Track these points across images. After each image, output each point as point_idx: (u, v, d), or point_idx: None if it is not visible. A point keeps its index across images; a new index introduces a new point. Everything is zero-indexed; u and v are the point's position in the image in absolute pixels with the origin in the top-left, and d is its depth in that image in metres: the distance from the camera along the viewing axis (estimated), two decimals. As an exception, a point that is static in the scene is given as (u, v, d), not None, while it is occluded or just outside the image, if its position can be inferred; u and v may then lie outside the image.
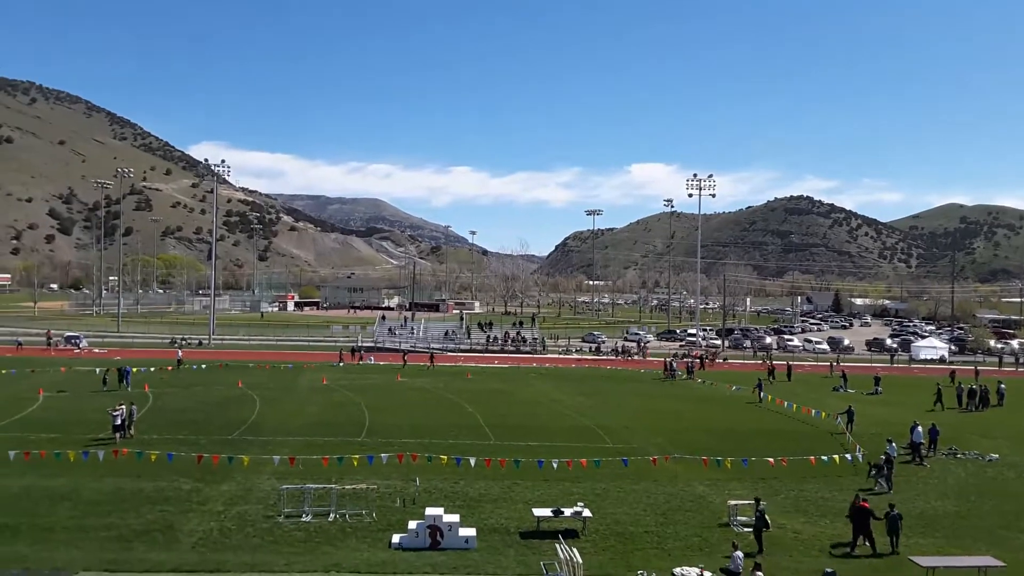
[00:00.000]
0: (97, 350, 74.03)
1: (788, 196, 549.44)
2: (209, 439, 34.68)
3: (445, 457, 29.71)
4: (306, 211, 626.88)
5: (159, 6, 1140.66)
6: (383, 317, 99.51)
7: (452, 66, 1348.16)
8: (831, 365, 68.28)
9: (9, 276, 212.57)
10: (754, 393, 50.76)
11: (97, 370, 52.91)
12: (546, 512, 23.54)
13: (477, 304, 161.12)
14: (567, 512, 23.45)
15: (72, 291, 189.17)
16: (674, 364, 64.16)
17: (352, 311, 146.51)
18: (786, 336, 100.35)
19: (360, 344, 77.96)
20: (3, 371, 55.66)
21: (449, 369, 63.69)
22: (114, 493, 25.85)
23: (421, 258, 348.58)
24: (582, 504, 24.19)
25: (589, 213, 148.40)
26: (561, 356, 78.94)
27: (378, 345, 79.65)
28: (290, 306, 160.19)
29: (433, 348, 76.46)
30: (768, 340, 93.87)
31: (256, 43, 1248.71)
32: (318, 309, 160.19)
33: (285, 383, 53.73)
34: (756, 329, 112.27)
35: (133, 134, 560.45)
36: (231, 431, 36.70)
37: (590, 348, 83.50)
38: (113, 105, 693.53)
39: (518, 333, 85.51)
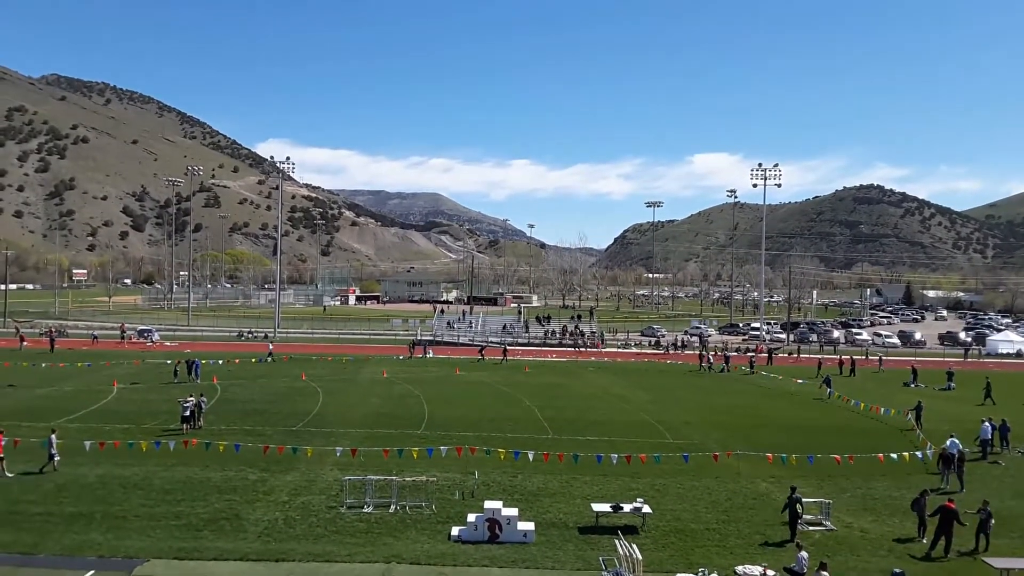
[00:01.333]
0: (168, 343, 76.60)
1: (857, 185, 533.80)
2: (274, 430, 35.51)
3: (503, 451, 29.71)
4: (367, 206, 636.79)
5: (226, 10, 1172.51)
6: (442, 311, 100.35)
7: (511, 61, 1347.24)
8: (880, 359, 65.63)
9: (86, 271, 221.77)
10: (821, 388, 49.42)
11: (168, 362, 54.70)
12: (605, 507, 23.35)
13: (535, 298, 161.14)
14: (626, 508, 23.20)
15: (145, 286, 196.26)
16: (710, 357, 63.33)
17: (412, 304, 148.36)
18: (855, 330, 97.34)
19: (419, 338, 78.76)
20: (80, 363, 58.08)
21: (507, 363, 63.83)
22: (184, 482, 26.67)
23: (479, 252, 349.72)
24: (642, 500, 23.91)
25: (649, 205, 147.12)
26: (620, 350, 78.31)
27: (437, 339, 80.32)
28: (351, 300, 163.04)
29: (491, 342, 76.69)
30: (836, 334, 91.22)
31: (320, 43, 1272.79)
32: (378, 303, 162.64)
33: (347, 376, 54.68)
34: (823, 323, 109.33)
35: (202, 133, 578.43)
36: (295, 422, 37.50)
37: (650, 342, 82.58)
38: (183, 105, 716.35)
39: (576, 327, 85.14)
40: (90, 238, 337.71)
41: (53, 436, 28.23)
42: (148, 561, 19.78)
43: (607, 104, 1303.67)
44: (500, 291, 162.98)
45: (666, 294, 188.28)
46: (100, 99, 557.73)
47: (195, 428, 34.88)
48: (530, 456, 28.69)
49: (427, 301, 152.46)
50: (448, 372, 57.73)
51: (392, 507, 24.17)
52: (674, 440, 35.04)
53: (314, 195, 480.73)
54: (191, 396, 36.62)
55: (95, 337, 77.48)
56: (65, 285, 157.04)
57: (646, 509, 23.22)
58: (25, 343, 69.20)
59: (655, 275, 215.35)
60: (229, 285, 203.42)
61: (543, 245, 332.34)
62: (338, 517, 23.40)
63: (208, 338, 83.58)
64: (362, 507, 24.12)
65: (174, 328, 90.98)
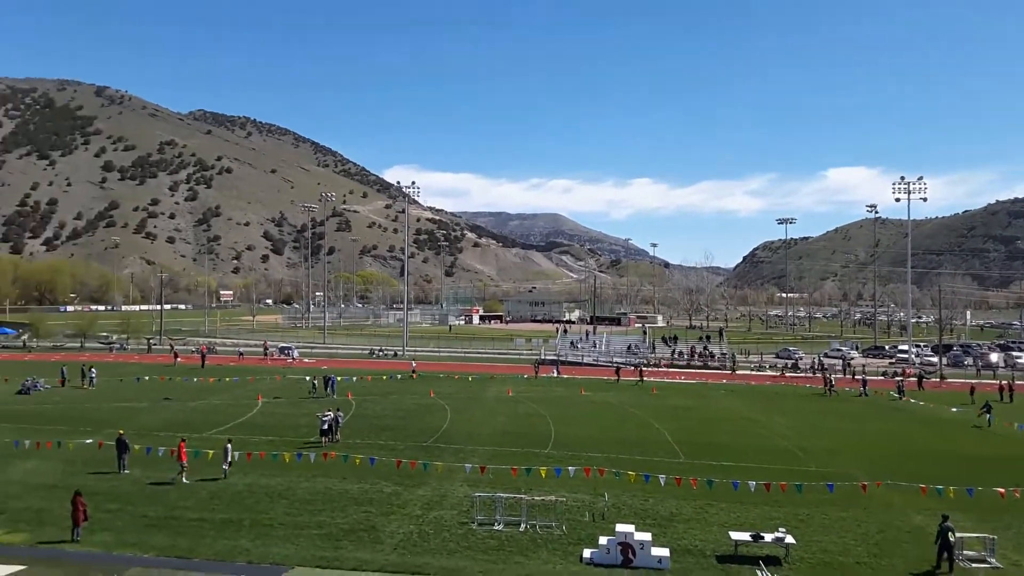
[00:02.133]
0: (306, 360, 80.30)
1: (1012, 199, 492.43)
2: (406, 445, 36.33)
3: (633, 473, 29.06)
4: (488, 227, 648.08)
5: (356, 46, 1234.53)
6: (564, 331, 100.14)
7: (630, 78, 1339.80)
8: (1001, 387, 58.21)
9: (231, 292, 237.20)
10: (980, 416, 45.47)
11: (306, 378, 57.24)
12: (744, 536, 22.29)
13: (660, 318, 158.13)
14: (767, 537, 22.06)
15: (284, 306, 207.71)
16: (832, 379, 60.12)
17: (533, 324, 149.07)
18: (1014, 353, 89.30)
19: (544, 357, 78.83)
20: (228, 378, 61.79)
21: (634, 384, 62.71)
22: (324, 493, 27.67)
23: (601, 272, 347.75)
24: (784, 530, 22.68)
25: (781, 222, 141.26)
26: (753, 373, 75.28)
27: (560, 358, 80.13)
28: (475, 319, 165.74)
29: (617, 362, 75.73)
30: (993, 357, 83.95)
31: (443, 73, 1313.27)
32: (502, 322, 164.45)
33: (473, 393, 55.35)
34: (979, 345, 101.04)
35: (334, 161, 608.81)
36: (426, 438, 38.23)
37: (785, 365, 78.99)
38: (317, 135, 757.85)
39: (705, 348, 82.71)
40: (235, 261, 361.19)
41: (229, 446, 30.22)
42: (293, 568, 20.55)
43: (732, 120, 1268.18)
44: (623, 311, 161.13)
45: (801, 314, 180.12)
46: (242, 132, 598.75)
47: (333, 441, 36.20)
48: (661, 480, 27.89)
49: (549, 321, 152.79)
50: (573, 392, 57.34)
51: (522, 525, 24.08)
52: (817, 468, 33.10)
53: (438, 218, 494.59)
54: (329, 411, 38.14)
55: (241, 354, 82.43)
56: (213, 305, 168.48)
57: (789, 539, 21.99)
58: (179, 359, 74.45)
59: (789, 294, 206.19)
60: (360, 305, 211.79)
61: (667, 264, 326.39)
62: (470, 533, 23.54)
63: (342, 355, 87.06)
64: (492, 524, 24.16)
65: (311, 345, 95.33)
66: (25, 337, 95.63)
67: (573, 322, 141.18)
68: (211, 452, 31.14)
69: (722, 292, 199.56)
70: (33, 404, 47.74)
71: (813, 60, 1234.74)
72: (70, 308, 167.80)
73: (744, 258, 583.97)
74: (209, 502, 26.36)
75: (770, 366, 79.24)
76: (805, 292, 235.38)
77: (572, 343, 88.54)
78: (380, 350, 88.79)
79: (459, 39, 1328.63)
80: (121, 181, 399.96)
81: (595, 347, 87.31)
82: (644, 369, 68.39)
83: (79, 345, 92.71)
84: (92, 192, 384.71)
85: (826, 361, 78.27)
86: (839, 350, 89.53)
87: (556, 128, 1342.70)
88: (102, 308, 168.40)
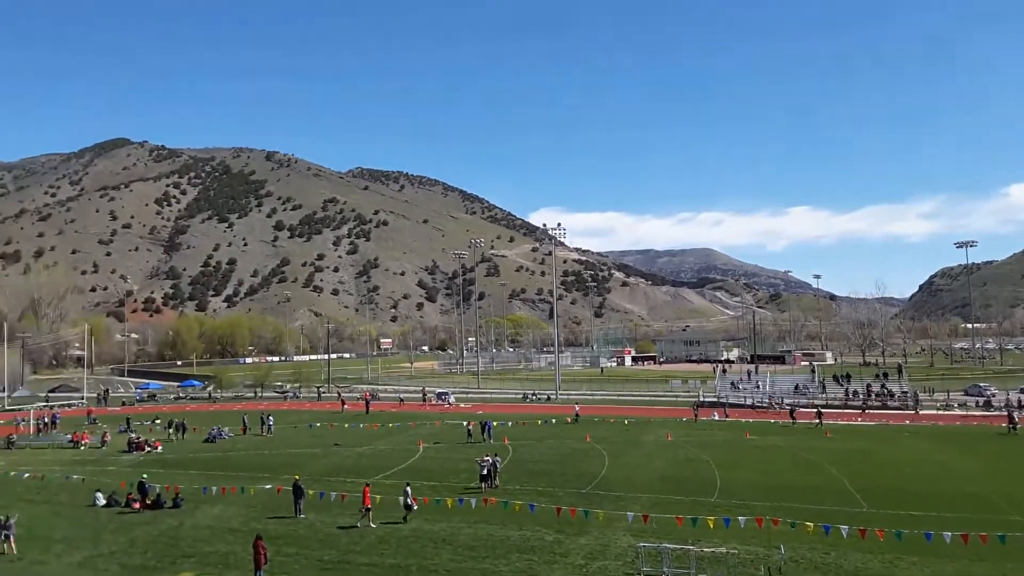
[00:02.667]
0: (462, 404, 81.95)
1: None
2: (565, 491, 35.89)
3: (811, 524, 27.08)
4: (636, 266, 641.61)
5: (494, 96, 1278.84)
6: (724, 371, 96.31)
7: (781, 105, 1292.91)
8: None
9: (391, 340, 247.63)
10: None
11: (463, 423, 58.29)
12: (945, 597, 20.01)
13: (828, 354, 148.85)
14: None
15: (439, 352, 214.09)
16: (1015, 416, 54.31)
17: (688, 364, 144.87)
18: None
19: (702, 399, 76.07)
20: (391, 424, 64.07)
21: (804, 427, 58.95)
22: (486, 539, 27.71)
23: (759, 307, 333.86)
24: (991, 590, 20.17)
25: (960, 245, 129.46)
26: (939, 412, 68.86)
27: (720, 400, 76.96)
28: (627, 360, 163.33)
29: (786, 404, 71.70)
30: None
31: (584, 115, 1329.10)
32: (655, 363, 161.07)
33: (630, 438, 54.10)
34: None
35: (481, 208, 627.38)
36: (584, 484, 37.59)
37: (976, 403, 71.67)
38: (464, 184, 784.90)
39: (883, 386, 76.69)
40: (392, 310, 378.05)
41: (408, 488, 31.27)
42: (461, 618, 20.53)
43: (898, 137, 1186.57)
44: (787, 348, 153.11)
45: (991, 346, 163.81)
46: (396, 186, 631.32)
47: (492, 487, 36.37)
48: (843, 531, 25.81)
49: (706, 360, 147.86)
50: (737, 436, 54.71)
51: (692, 579, 22.95)
52: (1021, 518, 29.49)
53: (584, 258, 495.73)
54: (487, 456, 38.45)
55: (401, 400, 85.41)
56: (374, 353, 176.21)
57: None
58: (346, 406, 78.18)
59: (975, 325, 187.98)
60: (511, 349, 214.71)
61: (833, 297, 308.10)
62: (637, 586, 22.69)
63: (497, 400, 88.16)
64: (660, 576, 23.20)
65: (466, 390, 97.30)
66: (210, 389, 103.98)
67: (732, 361, 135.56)
68: (379, 497, 32.06)
69: (898, 324, 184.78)
70: (219, 451, 51.50)
71: (982, 68, 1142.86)
72: (248, 360, 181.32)
73: (920, 287, 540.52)
74: (378, 547, 27.08)
75: (958, 404, 72.24)
76: (993, 322, 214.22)
77: (733, 384, 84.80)
78: (533, 394, 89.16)
79: (597, 81, 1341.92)
80: (290, 239, 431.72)
81: (758, 388, 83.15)
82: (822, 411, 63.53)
83: (256, 395, 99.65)
84: (265, 250, 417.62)
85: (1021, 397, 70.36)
86: None
87: (704, 160, 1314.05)
88: (276, 359, 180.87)
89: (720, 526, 27.51)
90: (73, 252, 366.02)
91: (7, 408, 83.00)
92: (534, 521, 29.68)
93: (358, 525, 29.73)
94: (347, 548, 26.98)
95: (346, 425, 64.02)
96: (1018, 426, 53.39)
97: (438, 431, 59.61)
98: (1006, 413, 57.84)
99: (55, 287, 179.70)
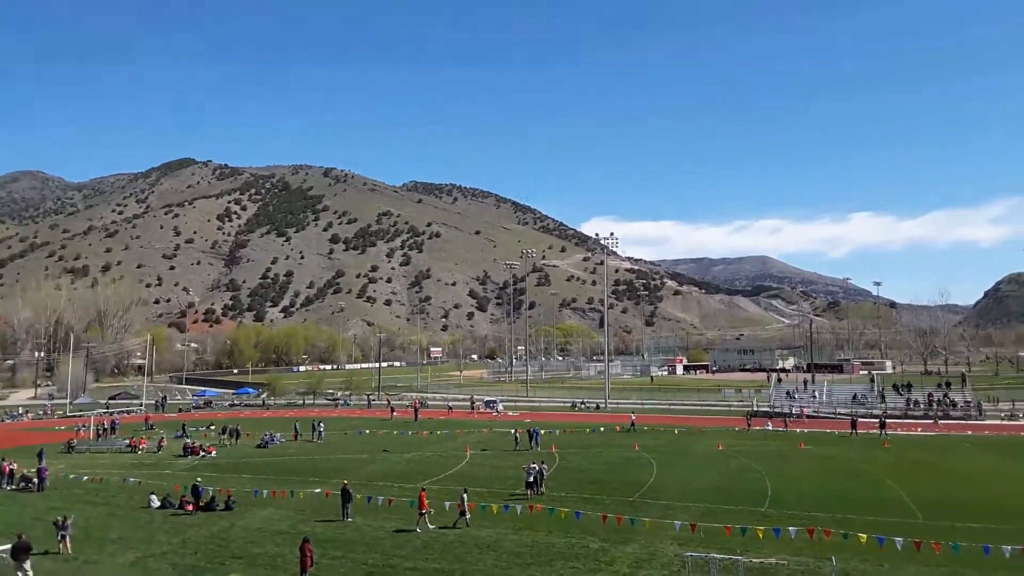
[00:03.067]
0: (511, 413, 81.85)
1: None
2: (611, 499, 35.47)
3: (864, 536, 26.22)
4: (689, 274, 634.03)
5: (546, 106, 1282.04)
6: (779, 380, 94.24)
7: (840, 112, 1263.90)
8: None
9: (441, 349, 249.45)
10: None
11: (511, 431, 58.20)
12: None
13: (889, 363, 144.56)
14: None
15: (488, 360, 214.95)
16: None
17: (742, 373, 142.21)
18: None
19: (756, 408, 74.52)
20: (439, 431, 64.37)
21: (862, 437, 57.20)
22: (531, 546, 27.51)
23: (816, 315, 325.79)
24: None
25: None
26: (1004, 422, 66.18)
27: (775, 410, 75.27)
28: (679, 369, 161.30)
29: (841, 413, 69.83)
30: None
31: (635, 124, 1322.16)
32: (707, 372, 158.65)
33: (680, 447, 53.28)
34: None
35: (533, 218, 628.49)
36: (631, 493, 37.11)
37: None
38: (516, 195, 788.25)
39: (945, 395, 74.07)
40: (443, 319, 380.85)
41: (465, 495, 31.31)
42: (502, 623, 20.38)
43: (968, 139, 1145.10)
44: (845, 357, 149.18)
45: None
46: (448, 198, 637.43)
47: (538, 494, 36.16)
48: (898, 543, 24.91)
49: (761, 369, 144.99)
50: (791, 445, 53.38)
51: (740, 590, 22.38)
52: (1092, 533, 28.04)
53: (636, 267, 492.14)
54: (534, 463, 38.30)
55: (450, 408, 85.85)
56: (424, 362, 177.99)
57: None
58: (395, 413, 78.89)
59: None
60: (561, 358, 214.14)
61: (894, 304, 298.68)
62: (682, 595, 22.24)
63: (545, 408, 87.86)
64: (707, 587, 22.69)
65: (515, 399, 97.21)
66: (264, 396, 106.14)
67: (787, 370, 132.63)
68: (427, 503, 32.09)
69: (961, 332, 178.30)
70: (271, 456, 52.43)
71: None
72: (302, 368, 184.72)
73: (986, 293, 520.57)
74: (423, 551, 27.12)
75: (1024, 415, 69.34)
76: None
77: (788, 393, 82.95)
78: (582, 403, 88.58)
79: (648, 89, 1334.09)
80: (345, 251, 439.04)
81: (815, 397, 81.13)
82: (885, 421, 61.14)
83: (305, 402, 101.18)
84: (321, 263, 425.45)
85: None
86: None
87: (761, 166, 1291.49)
88: (329, 367, 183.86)
89: (770, 536, 26.85)
90: (138, 267, 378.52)
91: (69, 414, 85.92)
92: (580, 529, 29.39)
93: (417, 529, 29.88)
94: (392, 552, 27.08)
95: (395, 432, 64.53)
96: None
97: (486, 438, 59.65)
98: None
99: (120, 299, 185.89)
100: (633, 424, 63.60)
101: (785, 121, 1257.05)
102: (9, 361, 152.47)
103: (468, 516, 30.53)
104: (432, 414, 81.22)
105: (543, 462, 40.16)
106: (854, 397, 77.38)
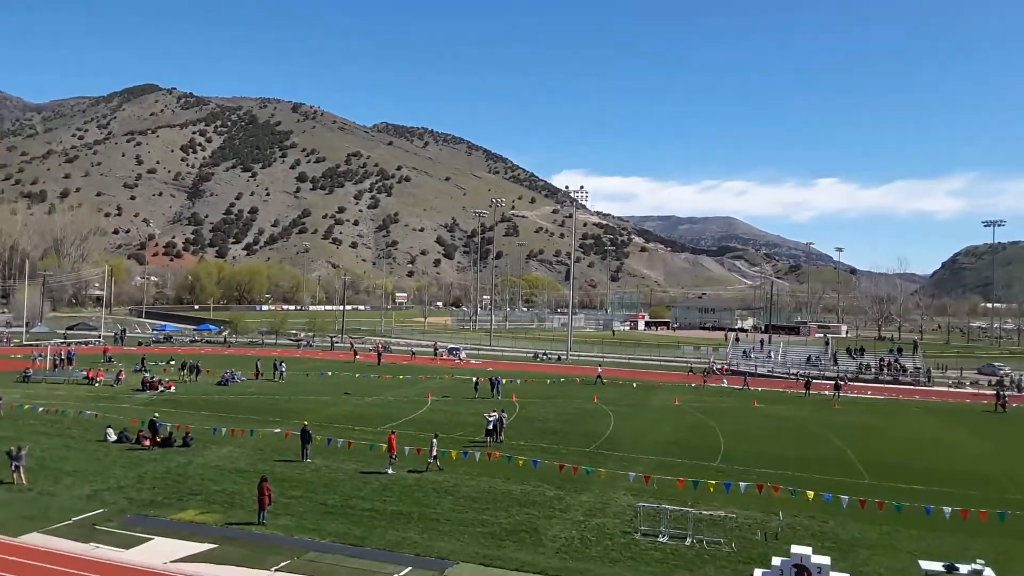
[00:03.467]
0: (473, 361, 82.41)
1: None
2: (568, 449, 36.15)
3: (811, 492, 27.19)
4: (656, 232, 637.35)
5: (524, 56, 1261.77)
6: (736, 339, 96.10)
7: (810, 68, 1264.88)
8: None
9: (406, 295, 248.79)
10: None
11: (473, 379, 58.64)
12: (936, 566, 19.96)
13: (844, 328, 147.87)
14: (963, 569, 19.61)
15: (453, 308, 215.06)
16: (1005, 395, 55.78)
17: (703, 331, 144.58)
18: None
19: (712, 365, 76.02)
20: (402, 376, 64.65)
21: (814, 398, 58.84)
22: (488, 492, 28.03)
23: (778, 278, 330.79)
24: (982, 562, 20.05)
25: (987, 224, 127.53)
26: (951, 390, 68.50)
27: (732, 368, 76.87)
28: (640, 325, 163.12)
29: (794, 374, 71.52)
30: None
31: (610, 79, 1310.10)
32: (668, 329, 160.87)
33: (637, 401, 54.30)
34: None
35: (504, 168, 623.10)
36: (588, 443, 37.85)
37: (989, 382, 71.21)
38: (488, 143, 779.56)
39: (895, 360, 76.28)
40: (409, 265, 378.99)
41: (435, 440, 31.66)
42: (458, 564, 20.89)
43: (931, 111, 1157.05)
44: (803, 320, 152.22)
45: (1009, 326, 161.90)
46: (420, 142, 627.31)
47: (497, 442, 36.70)
48: (843, 501, 25.92)
49: (720, 328, 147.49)
50: (745, 404, 54.69)
51: (688, 540, 23.20)
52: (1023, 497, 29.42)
53: (604, 222, 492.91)
54: (494, 411, 38.75)
55: (413, 353, 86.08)
56: (389, 307, 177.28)
57: (988, 572, 19.46)
58: (358, 357, 78.90)
59: (996, 304, 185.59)
60: (526, 309, 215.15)
61: (853, 271, 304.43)
62: (632, 543, 22.95)
63: (508, 358, 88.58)
64: (656, 536, 23.46)
65: (478, 347, 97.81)
66: (226, 333, 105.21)
67: (746, 330, 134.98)
68: (383, 446, 32.43)
69: (917, 301, 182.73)
70: (231, 395, 52.24)
71: (1019, 46, 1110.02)
72: (265, 307, 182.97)
73: (943, 264, 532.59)
74: (381, 493, 27.48)
75: (971, 383, 71.75)
76: (1015, 303, 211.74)
77: (745, 352, 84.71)
78: (544, 354, 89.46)
79: (625, 41, 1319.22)
80: (312, 191, 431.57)
81: (770, 357, 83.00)
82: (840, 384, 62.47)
83: (266, 341, 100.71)
84: (287, 201, 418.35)
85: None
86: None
87: (729, 127, 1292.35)
88: (292, 308, 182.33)
89: (720, 490, 27.67)
90: (98, 195, 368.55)
91: (25, 343, 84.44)
92: (537, 477, 29.97)
93: (389, 471, 30.21)
94: (351, 493, 27.39)
95: (357, 375, 64.65)
96: (1007, 407, 54.10)
97: (447, 385, 60.11)
98: (994, 392, 57.99)
99: (79, 227, 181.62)
100: (600, 377, 64.38)
101: (757, 85, 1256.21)
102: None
103: (438, 461, 30.91)
104: (395, 359, 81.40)
105: (503, 411, 40.64)
106: (808, 359, 79.28)
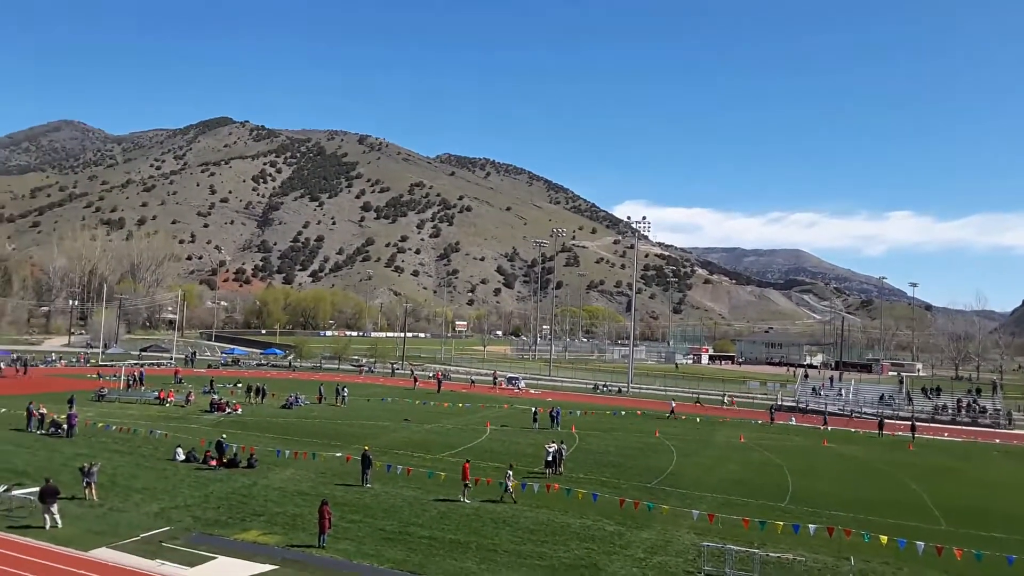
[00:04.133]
0: (532, 391, 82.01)
1: None
2: (629, 484, 35.40)
3: (885, 537, 25.88)
4: (720, 264, 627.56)
5: (586, 90, 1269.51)
6: (805, 375, 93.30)
7: (886, 99, 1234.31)
8: None
9: (466, 323, 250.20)
10: None
11: (532, 409, 58.26)
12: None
13: (919, 366, 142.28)
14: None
15: (513, 337, 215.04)
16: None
17: (769, 367, 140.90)
18: None
19: (780, 403, 73.83)
20: (460, 404, 64.69)
21: (887, 438, 56.48)
22: (546, 524, 27.58)
23: (849, 313, 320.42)
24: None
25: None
26: (1033, 433, 64.93)
27: (800, 406, 74.54)
28: (704, 359, 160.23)
29: (866, 413, 68.88)
30: None
31: (675, 110, 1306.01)
32: (732, 363, 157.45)
33: (701, 436, 53.01)
34: None
35: (565, 198, 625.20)
36: (650, 479, 37.01)
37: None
38: (550, 174, 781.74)
39: (974, 401, 72.79)
40: (470, 294, 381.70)
41: (510, 472, 31.60)
42: (515, 598, 20.49)
43: (1012, 142, 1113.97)
44: (875, 357, 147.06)
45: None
46: (481, 172, 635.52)
47: (556, 473, 36.21)
48: (919, 547, 24.55)
49: (787, 364, 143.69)
50: (814, 443, 52.84)
51: (755, 583, 22.29)
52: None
53: (667, 253, 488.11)
54: (553, 442, 38.30)
55: (472, 381, 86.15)
56: (449, 335, 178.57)
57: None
58: (418, 383, 79.41)
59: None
60: (585, 339, 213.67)
61: (928, 307, 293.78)
62: (696, 584, 22.19)
63: (567, 388, 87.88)
64: (721, 577, 22.63)
65: (537, 377, 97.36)
66: (291, 358, 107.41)
67: (815, 367, 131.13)
68: (443, 474, 32.31)
69: (996, 339, 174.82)
70: (294, 418, 53.10)
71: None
72: (328, 333, 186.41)
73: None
74: (439, 521, 27.32)
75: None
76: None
77: (814, 389, 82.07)
78: (605, 385, 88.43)
79: (688, 72, 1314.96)
80: (376, 220, 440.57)
81: (840, 395, 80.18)
82: (916, 424, 60.09)
83: (334, 367, 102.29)
84: (352, 230, 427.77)
85: None
86: None
87: (799, 158, 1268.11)
88: (355, 334, 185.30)
89: (788, 532, 26.62)
90: (173, 222, 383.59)
91: (101, 363, 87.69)
92: (596, 511, 29.39)
93: (465, 500, 30.07)
94: (409, 520, 27.31)
95: (417, 402, 64.98)
96: None
97: (506, 414, 59.83)
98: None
99: (154, 253, 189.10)
100: (673, 411, 62.98)
101: (827, 114, 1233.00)
102: (44, 308, 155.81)
103: (514, 493, 30.56)
104: (455, 387, 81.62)
105: (563, 442, 40.18)
106: (881, 398, 76.30)
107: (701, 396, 78.20)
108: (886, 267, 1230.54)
